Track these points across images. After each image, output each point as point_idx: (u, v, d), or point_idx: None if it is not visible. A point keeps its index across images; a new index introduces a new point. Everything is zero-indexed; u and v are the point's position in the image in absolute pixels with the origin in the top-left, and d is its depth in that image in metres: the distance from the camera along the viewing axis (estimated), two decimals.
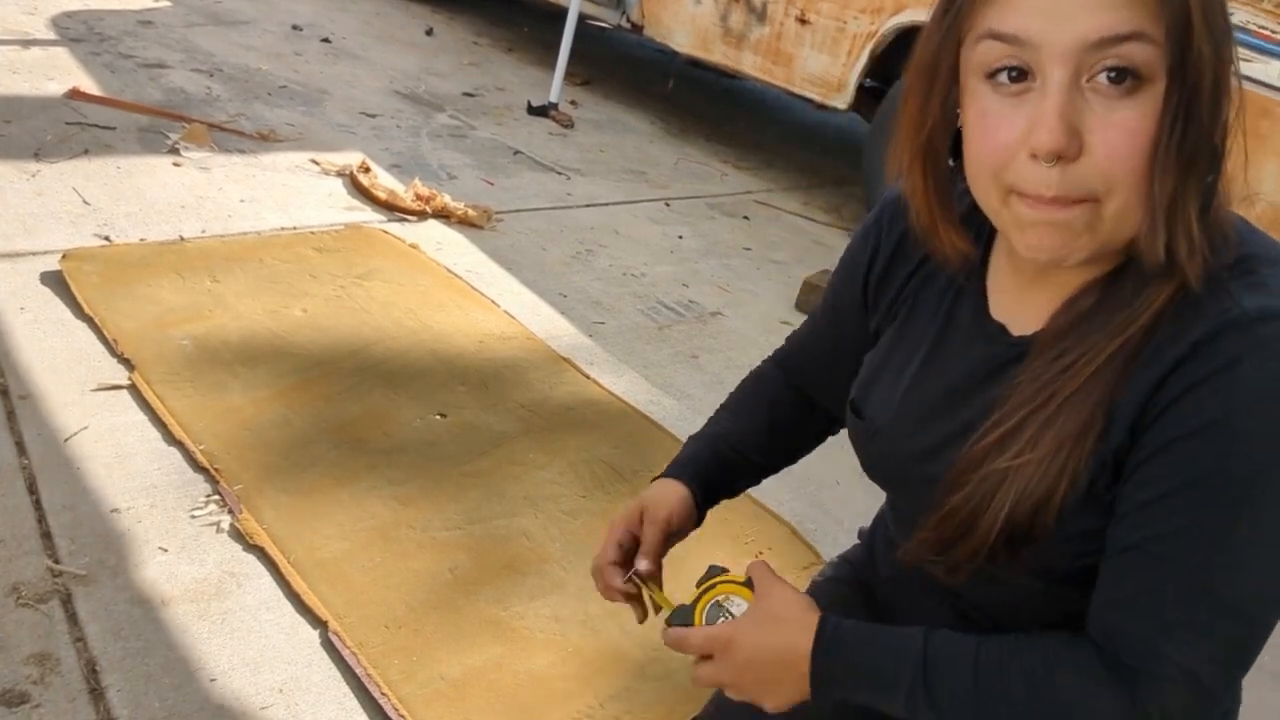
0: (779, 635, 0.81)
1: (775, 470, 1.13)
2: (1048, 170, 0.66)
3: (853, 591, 1.11)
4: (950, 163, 0.79)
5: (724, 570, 0.90)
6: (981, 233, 0.83)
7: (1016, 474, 0.73)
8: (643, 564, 0.96)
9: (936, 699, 0.75)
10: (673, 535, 1.00)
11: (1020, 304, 0.81)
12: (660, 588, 0.96)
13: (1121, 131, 0.65)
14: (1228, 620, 0.68)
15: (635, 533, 0.99)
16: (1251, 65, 2.92)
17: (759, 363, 1.14)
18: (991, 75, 0.68)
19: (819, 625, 0.80)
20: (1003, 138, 0.68)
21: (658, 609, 0.96)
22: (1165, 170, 0.65)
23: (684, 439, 1.06)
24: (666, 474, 1.04)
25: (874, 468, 0.94)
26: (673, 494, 1.00)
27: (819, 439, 1.14)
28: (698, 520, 1.03)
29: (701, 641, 0.85)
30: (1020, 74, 0.67)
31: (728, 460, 1.06)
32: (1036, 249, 0.71)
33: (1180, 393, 0.67)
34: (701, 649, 0.85)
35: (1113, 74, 0.64)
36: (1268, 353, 0.65)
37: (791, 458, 1.14)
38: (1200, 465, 0.67)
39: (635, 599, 0.99)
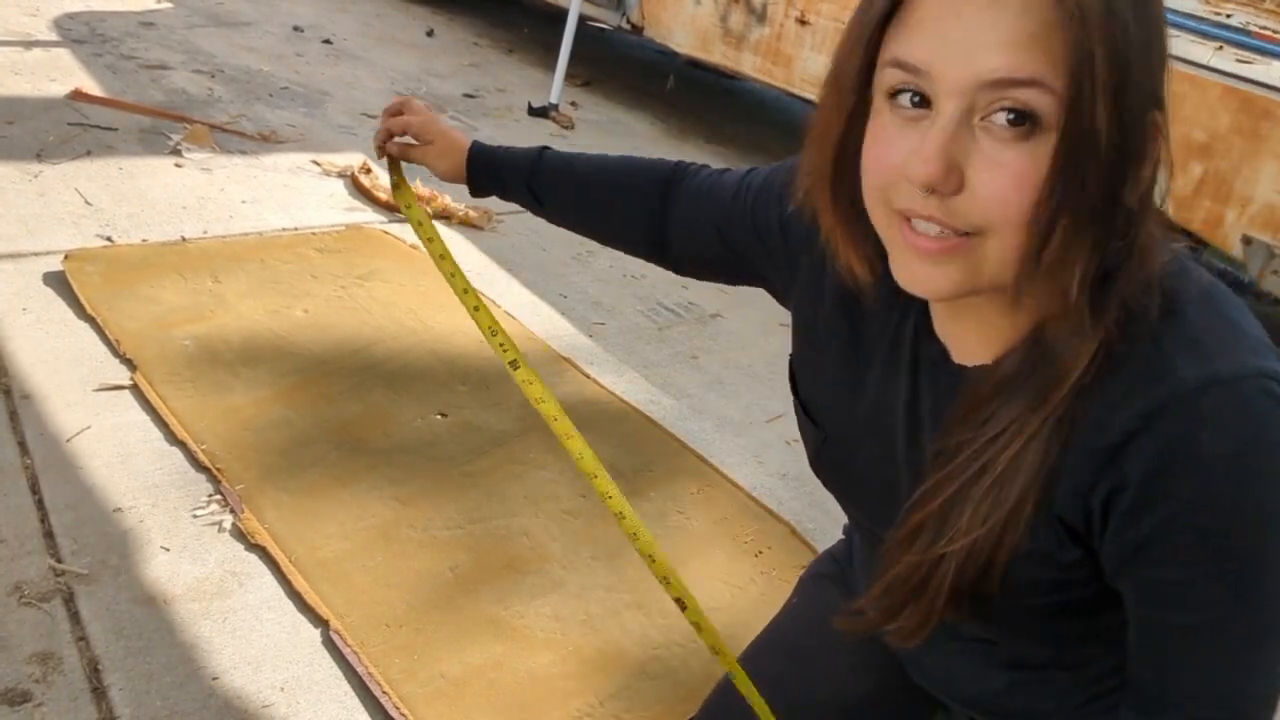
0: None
1: (574, 228, 1.17)
2: (924, 198, 0.65)
3: (838, 586, 1.12)
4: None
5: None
6: None
7: (956, 549, 0.74)
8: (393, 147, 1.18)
9: None
10: (421, 147, 1.17)
11: (955, 330, 0.79)
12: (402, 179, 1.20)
13: (1007, 173, 0.63)
14: (1260, 678, 0.71)
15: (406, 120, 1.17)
16: (1252, 66, 2.92)
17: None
18: (893, 95, 0.67)
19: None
20: (888, 158, 0.67)
21: (395, 185, 1.18)
22: (1044, 222, 0.63)
23: (684, 438, 1.08)
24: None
25: (822, 471, 0.95)
26: (455, 142, 1.16)
27: (644, 252, 1.12)
28: (468, 178, 1.16)
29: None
30: (923, 100, 0.66)
31: (519, 172, 1.14)
32: (910, 282, 0.70)
33: (1147, 477, 0.67)
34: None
35: (1010, 116, 0.62)
36: (1219, 424, 0.65)
37: (602, 238, 1.15)
38: (1193, 547, 0.68)
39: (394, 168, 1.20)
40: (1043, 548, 0.73)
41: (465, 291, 1.10)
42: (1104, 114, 0.61)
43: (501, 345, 1.08)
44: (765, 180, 0.97)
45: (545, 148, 1.15)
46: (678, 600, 0.97)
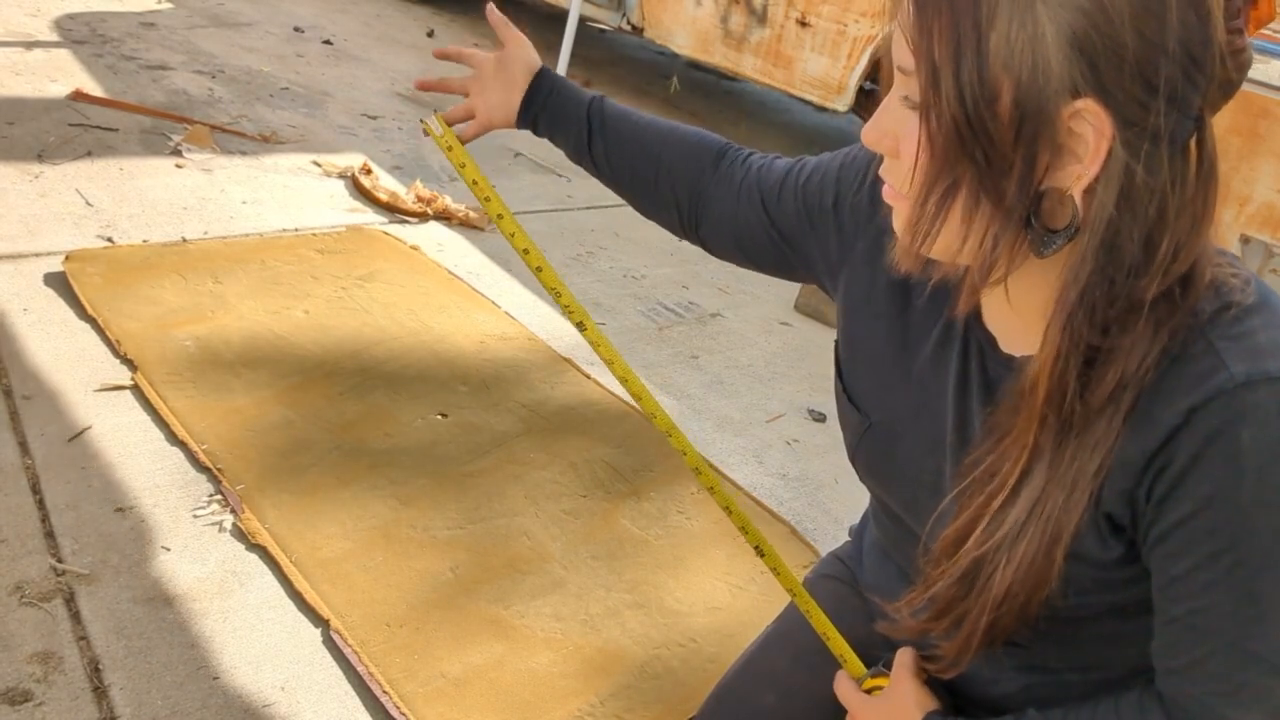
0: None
1: (614, 178, 1.09)
2: (883, 163, 0.76)
3: (845, 588, 1.12)
4: None
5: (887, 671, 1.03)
6: None
7: (1008, 560, 0.74)
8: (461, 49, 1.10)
9: None
10: (506, 63, 1.08)
11: (1001, 319, 0.80)
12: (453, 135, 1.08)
13: (902, 139, 0.71)
14: (1265, 679, 0.70)
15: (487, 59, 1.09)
16: (1252, 66, 2.92)
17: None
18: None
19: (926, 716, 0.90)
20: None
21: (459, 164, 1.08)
22: (918, 187, 0.70)
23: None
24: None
25: (861, 460, 0.94)
26: (531, 57, 1.08)
27: (675, 223, 1.09)
28: (521, 111, 1.08)
29: (843, 699, 1.00)
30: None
31: (578, 118, 1.07)
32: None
33: (1186, 464, 0.67)
34: (845, 705, 1.00)
35: (902, 95, 0.70)
36: (1261, 418, 0.65)
37: (639, 195, 1.09)
38: (1220, 537, 0.68)
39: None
40: (1086, 546, 0.73)
41: (526, 252, 1.05)
42: (949, 93, 0.65)
43: (567, 307, 1.06)
44: (819, 164, 1.00)
45: (600, 100, 1.10)
46: (755, 547, 1.03)
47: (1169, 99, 0.63)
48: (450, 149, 1.07)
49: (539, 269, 1.05)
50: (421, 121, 1.10)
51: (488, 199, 1.06)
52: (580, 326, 1.06)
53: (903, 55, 0.68)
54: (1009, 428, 0.74)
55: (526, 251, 1.05)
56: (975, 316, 0.83)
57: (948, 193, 0.68)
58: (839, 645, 1.02)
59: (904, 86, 0.70)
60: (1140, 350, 0.68)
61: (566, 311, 1.07)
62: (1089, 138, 0.63)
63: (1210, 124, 0.67)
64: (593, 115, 1.07)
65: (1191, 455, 0.67)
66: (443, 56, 1.12)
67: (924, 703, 0.91)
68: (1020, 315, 0.77)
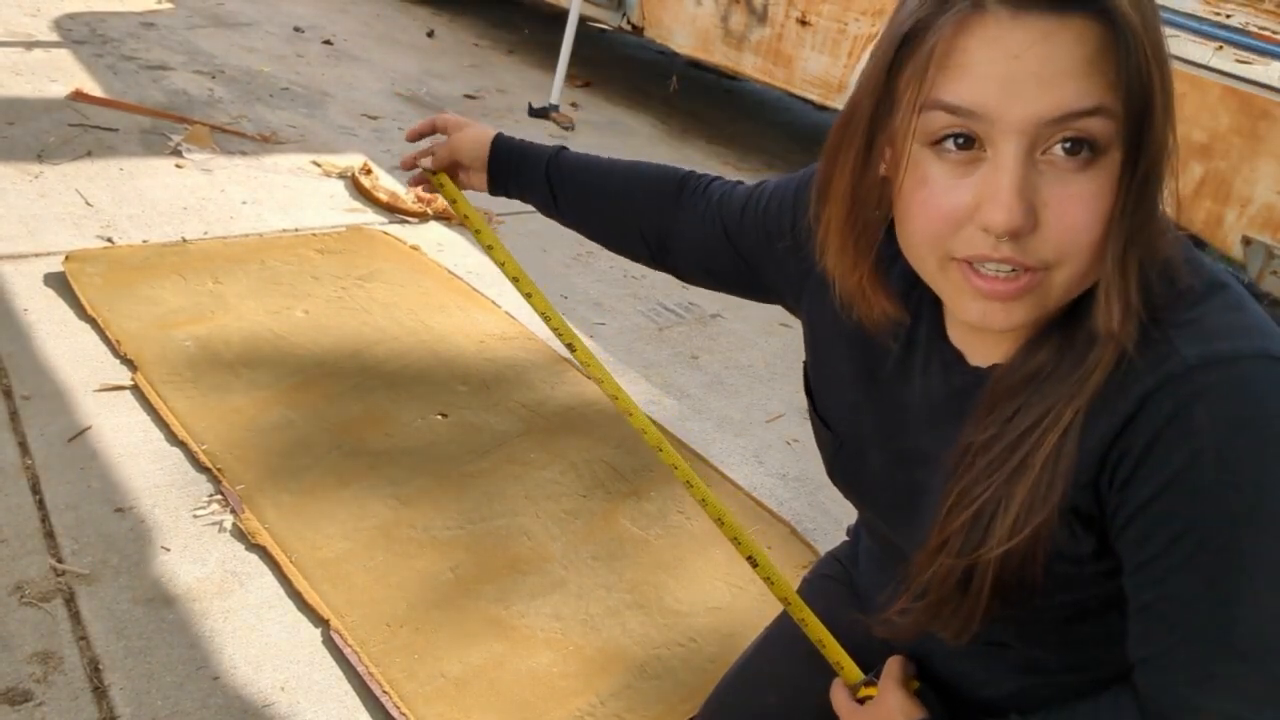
0: None
1: (582, 227, 1.16)
2: (996, 242, 0.65)
3: (843, 588, 1.12)
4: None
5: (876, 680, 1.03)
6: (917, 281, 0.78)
7: (1000, 549, 0.73)
8: (426, 161, 1.18)
9: None
10: (461, 162, 1.18)
11: (971, 334, 0.79)
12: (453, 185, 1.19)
13: (1079, 203, 0.63)
14: (1253, 663, 0.69)
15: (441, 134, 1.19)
16: (1251, 66, 2.92)
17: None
18: (937, 142, 0.66)
19: None
20: (947, 208, 0.66)
21: (450, 199, 1.20)
22: (1118, 238, 0.64)
23: (684, 439, 1.09)
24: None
25: (838, 477, 0.95)
26: (480, 136, 1.16)
27: (645, 256, 1.12)
28: (488, 174, 1.16)
29: (837, 709, 1.00)
30: (968, 141, 0.65)
31: (540, 171, 1.14)
32: (979, 321, 0.69)
33: (1143, 449, 0.67)
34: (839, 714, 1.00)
35: (1069, 145, 0.62)
36: (1215, 397, 0.64)
37: (607, 238, 1.15)
38: (1177, 522, 0.67)
39: (425, 182, 1.20)
40: (1059, 542, 0.73)
41: (517, 280, 1.12)
42: (1163, 127, 0.62)
43: (557, 330, 1.11)
44: (778, 187, 0.99)
45: (563, 147, 1.17)
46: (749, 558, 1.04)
47: None
48: (444, 188, 1.17)
49: (529, 295, 1.11)
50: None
51: (478, 231, 1.13)
52: (570, 347, 1.09)
53: (1080, 97, 0.61)
54: (996, 414, 0.74)
55: (517, 279, 1.11)
56: (938, 332, 0.82)
57: (1143, 239, 0.65)
58: (835, 652, 1.02)
59: (1053, 135, 0.63)
60: (1120, 328, 0.68)
61: (556, 334, 1.11)
62: None
63: None
64: (551, 173, 1.13)
65: (1148, 440, 0.66)
66: (415, 137, 1.21)
67: (910, 712, 0.91)
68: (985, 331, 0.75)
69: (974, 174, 0.65)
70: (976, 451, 0.74)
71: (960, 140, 0.65)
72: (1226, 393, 0.64)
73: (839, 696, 1.00)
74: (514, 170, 1.15)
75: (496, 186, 1.17)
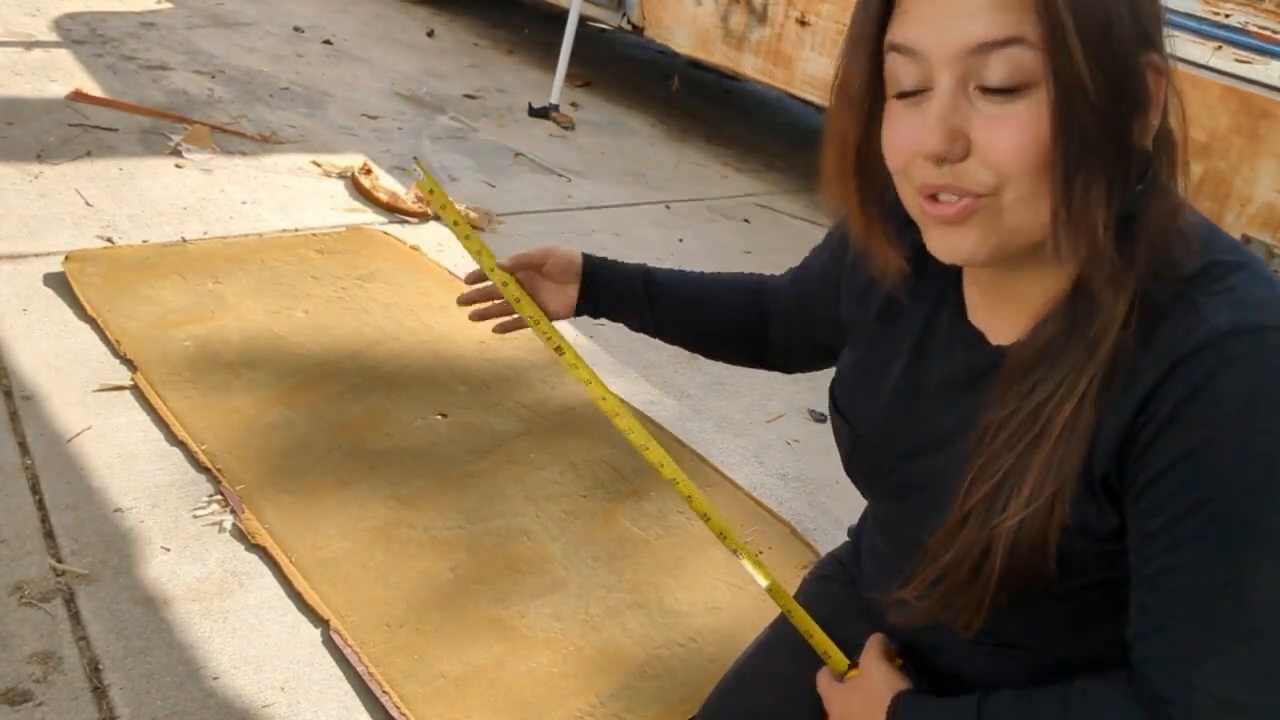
0: (867, 711, 0.93)
1: (676, 339, 1.18)
2: (938, 170, 0.70)
3: (843, 589, 1.12)
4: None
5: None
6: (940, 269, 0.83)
7: (1012, 524, 0.73)
8: (504, 261, 1.11)
9: None
10: (546, 272, 1.13)
11: (991, 312, 0.81)
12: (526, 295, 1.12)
13: (1006, 127, 0.67)
14: (1252, 643, 0.68)
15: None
16: (1251, 66, 2.92)
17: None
18: (900, 95, 0.72)
19: (896, 696, 0.90)
20: (901, 140, 0.72)
21: (515, 304, 1.11)
22: (1059, 165, 0.66)
23: (684, 439, 1.12)
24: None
25: (856, 471, 0.96)
26: (571, 255, 1.13)
27: (747, 356, 1.18)
28: (579, 300, 1.13)
29: (826, 695, 1.01)
30: (923, 90, 0.71)
31: (635, 289, 1.15)
32: (943, 252, 0.73)
33: (1165, 419, 0.67)
34: (823, 698, 1.01)
35: (997, 77, 0.67)
36: (1243, 369, 0.64)
37: (708, 344, 1.19)
38: (1194, 492, 0.67)
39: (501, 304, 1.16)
40: (1085, 517, 0.73)
41: (536, 322, 1.12)
42: (1082, 59, 0.64)
43: (545, 334, 1.11)
44: (826, 236, 1.06)
45: (645, 265, 1.20)
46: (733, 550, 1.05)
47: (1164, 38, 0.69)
48: (440, 203, 1.08)
49: (556, 347, 1.10)
50: (415, 160, 1.19)
51: (480, 251, 1.10)
52: (558, 350, 1.09)
53: (992, 27, 0.66)
54: (1015, 390, 0.75)
55: (536, 322, 1.11)
56: (959, 315, 0.84)
57: (1088, 169, 0.67)
58: (823, 642, 1.03)
59: (982, 68, 0.67)
60: (1116, 288, 0.70)
61: (544, 338, 1.11)
62: (1152, 86, 0.68)
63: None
64: (651, 288, 1.15)
65: (1173, 407, 0.66)
66: (469, 302, 1.17)
67: (894, 683, 0.91)
68: (1021, 303, 0.77)
69: (921, 110, 0.71)
70: (997, 428, 0.75)
71: (914, 87, 0.71)
72: (1255, 364, 0.64)
73: (823, 680, 1.01)
74: (606, 286, 1.15)
75: (587, 301, 1.14)
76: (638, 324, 1.17)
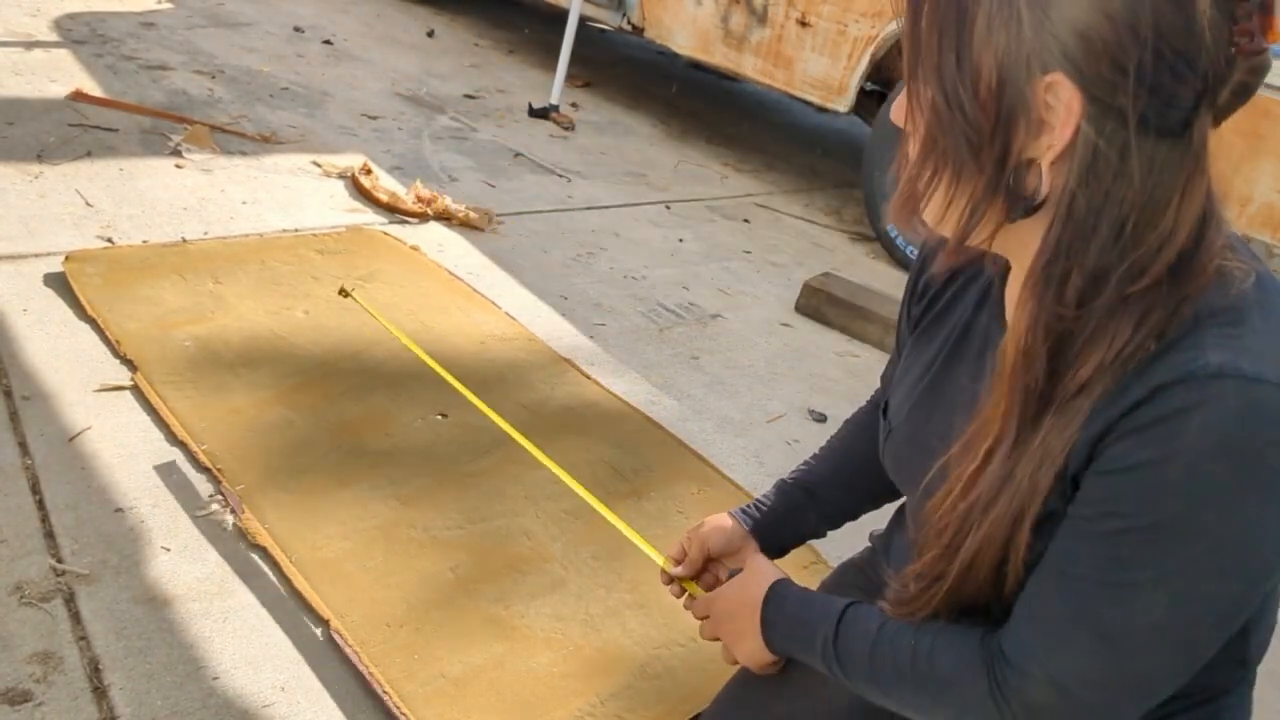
0: (745, 591, 1.01)
1: (854, 511, 1.19)
2: None
3: (862, 596, 1.11)
4: None
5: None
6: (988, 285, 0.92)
7: (977, 527, 0.76)
8: (677, 569, 1.19)
9: (842, 659, 0.87)
10: (714, 555, 1.17)
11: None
12: (697, 585, 1.19)
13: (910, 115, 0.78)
14: (1107, 649, 0.70)
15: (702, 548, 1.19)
16: None
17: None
18: None
19: (772, 583, 0.99)
20: None
21: (691, 595, 1.19)
22: (919, 157, 0.75)
23: (684, 439, 1.15)
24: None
25: (889, 467, 0.98)
26: (718, 521, 1.18)
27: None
28: (767, 550, 1.15)
29: (700, 604, 1.09)
30: None
31: (794, 501, 1.18)
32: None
33: (1132, 429, 0.68)
34: (699, 610, 1.09)
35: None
36: (1219, 411, 0.64)
37: (880, 493, 1.18)
38: (1125, 500, 0.68)
39: (681, 591, 1.21)
40: (1055, 506, 0.74)
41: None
42: (924, 80, 0.71)
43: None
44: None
45: (784, 481, 1.22)
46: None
47: (1140, 83, 0.65)
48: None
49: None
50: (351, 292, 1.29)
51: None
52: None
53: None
54: (987, 401, 0.77)
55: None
56: (995, 316, 0.87)
57: (935, 163, 0.73)
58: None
59: None
60: (1122, 338, 0.69)
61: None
62: (1060, 111, 0.67)
63: (1206, 120, 0.67)
64: (805, 494, 1.18)
65: (1141, 424, 0.67)
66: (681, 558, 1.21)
67: (776, 574, 1.01)
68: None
69: None
70: (980, 420, 0.79)
71: None
72: (1231, 411, 0.64)
73: (696, 604, 1.09)
74: (780, 521, 1.17)
75: (770, 549, 1.15)
76: (825, 526, 1.20)
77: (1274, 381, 0.64)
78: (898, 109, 0.77)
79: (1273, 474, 0.65)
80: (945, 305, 0.94)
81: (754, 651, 1.00)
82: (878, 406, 1.15)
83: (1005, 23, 0.66)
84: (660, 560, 1.20)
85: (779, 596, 0.97)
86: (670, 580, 1.19)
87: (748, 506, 1.19)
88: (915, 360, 0.96)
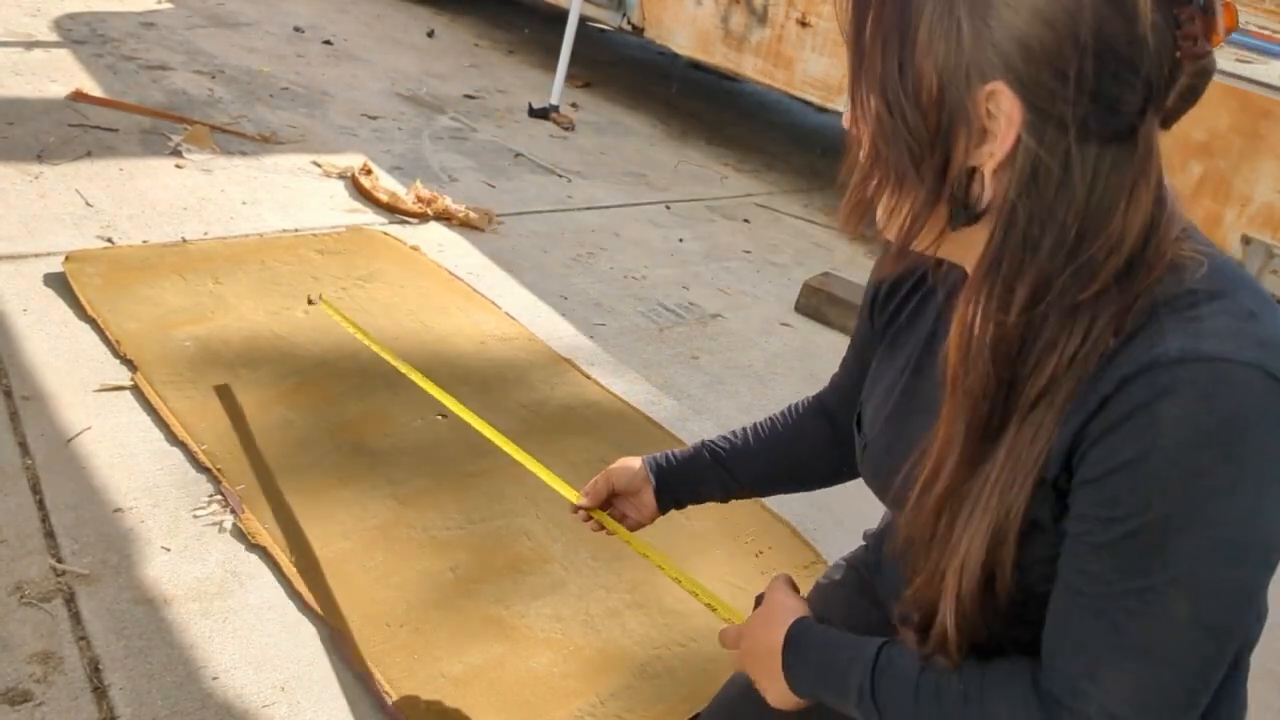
0: (768, 633, 0.94)
1: (760, 491, 1.23)
2: None
3: (857, 595, 1.11)
4: None
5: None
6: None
7: (954, 552, 0.75)
8: (583, 500, 1.26)
9: (882, 708, 0.82)
10: (618, 491, 1.25)
11: None
12: (607, 516, 1.27)
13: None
14: (1147, 664, 0.69)
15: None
16: (1252, 65, 2.92)
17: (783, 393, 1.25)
18: None
19: (790, 626, 0.92)
20: None
21: (603, 528, 1.26)
22: (869, 163, 0.76)
23: (684, 439, 1.16)
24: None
25: (868, 478, 0.97)
26: (628, 462, 1.24)
27: (835, 473, 1.19)
28: (657, 498, 1.22)
29: (732, 634, 1.04)
30: None
31: (700, 463, 1.20)
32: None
33: (1104, 430, 0.68)
34: (731, 640, 1.04)
35: None
36: (1185, 394, 0.64)
37: (798, 480, 1.21)
38: (1118, 506, 0.67)
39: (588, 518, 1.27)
40: (1042, 515, 0.74)
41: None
42: (868, 88, 0.71)
43: (641, 551, 1.26)
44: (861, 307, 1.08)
45: (703, 441, 1.24)
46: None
47: (1080, 90, 0.64)
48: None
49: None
50: (319, 300, 1.32)
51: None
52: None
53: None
54: (940, 412, 0.77)
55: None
56: None
57: (879, 170, 0.73)
58: (709, 596, 1.14)
59: None
60: (1074, 344, 0.69)
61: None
62: (1001, 121, 0.67)
63: (1153, 125, 0.68)
64: (717, 461, 1.20)
65: (1113, 422, 0.67)
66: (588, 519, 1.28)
67: (796, 609, 0.95)
68: None
69: None
70: (933, 432, 0.79)
71: None
72: (1198, 393, 0.64)
73: (727, 633, 1.05)
74: (678, 475, 1.21)
75: (666, 497, 1.22)
76: (722, 494, 1.21)
77: (1237, 359, 0.64)
78: (847, 116, 0.76)
79: (1257, 453, 0.64)
80: (913, 311, 0.93)
81: (781, 694, 0.94)
82: (818, 398, 1.19)
83: (946, 32, 0.66)
84: (572, 496, 1.28)
85: (798, 643, 0.91)
86: (576, 509, 1.26)
87: (661, 455, 1.23)
88: (887, 368, 0.95)
